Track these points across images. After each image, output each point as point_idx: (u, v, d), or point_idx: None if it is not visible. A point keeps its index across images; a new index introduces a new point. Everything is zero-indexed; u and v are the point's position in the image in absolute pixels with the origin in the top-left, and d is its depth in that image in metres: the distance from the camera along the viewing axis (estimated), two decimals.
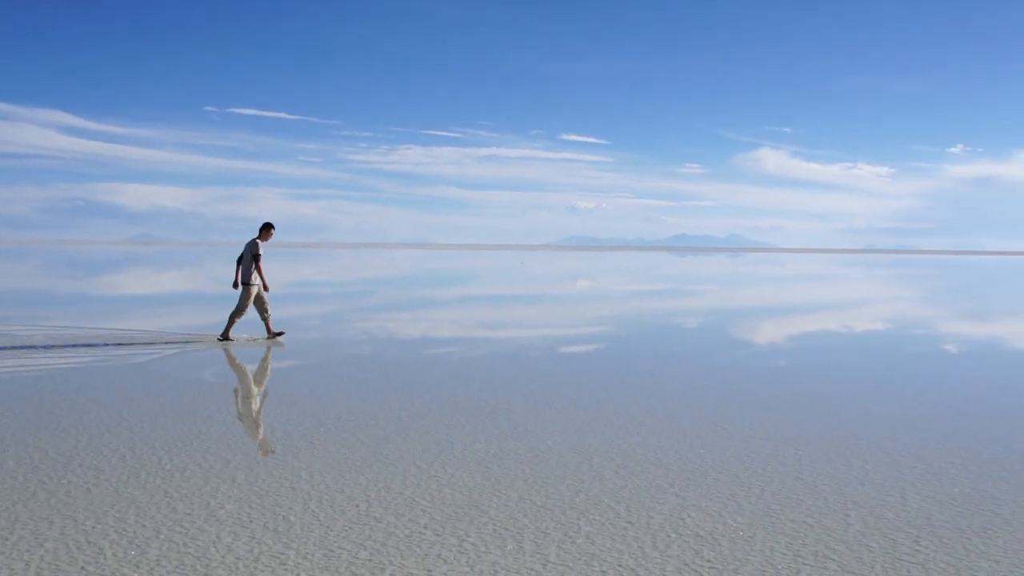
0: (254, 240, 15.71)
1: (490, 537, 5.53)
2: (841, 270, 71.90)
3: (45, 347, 14.22)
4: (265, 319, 15.91)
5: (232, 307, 15.70)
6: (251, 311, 15.70)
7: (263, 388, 11.15)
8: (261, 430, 8.66)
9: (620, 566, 5.06)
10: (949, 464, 7.38)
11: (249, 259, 15.61)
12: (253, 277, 15.60)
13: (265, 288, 15.77)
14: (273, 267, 60.38)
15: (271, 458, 7.40)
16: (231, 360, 13.51)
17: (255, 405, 10.03)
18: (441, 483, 6.70)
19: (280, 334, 16.03)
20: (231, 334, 15.62)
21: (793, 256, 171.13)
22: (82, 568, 4.94)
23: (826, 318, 22.72)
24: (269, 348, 14.71)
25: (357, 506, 6.12)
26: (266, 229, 15.85)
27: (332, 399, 10.01)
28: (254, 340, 15.80)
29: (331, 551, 5.26)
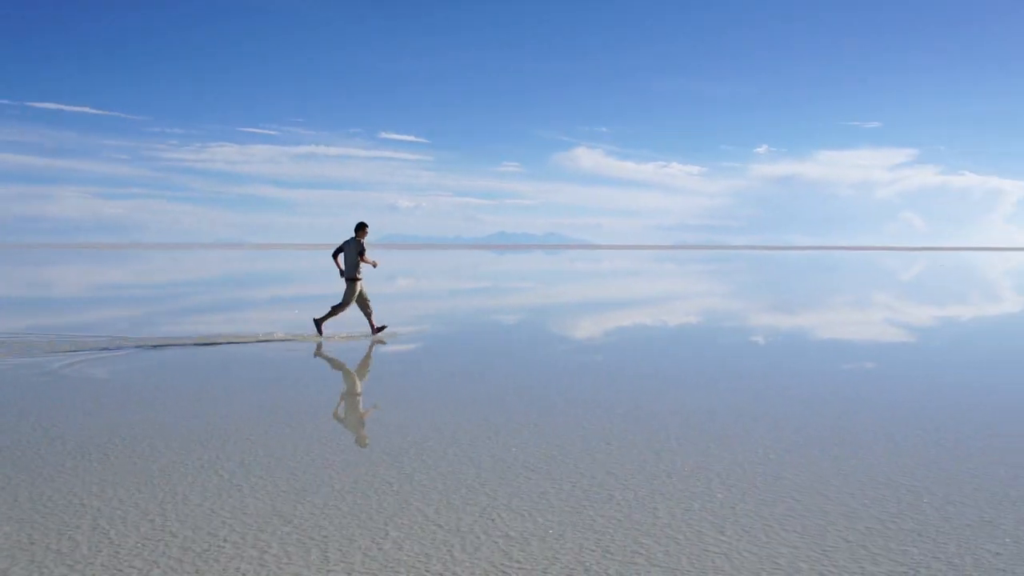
0: (355, 239, 16.83)
1: (293, 548, 5.28)
2: (656, 266, 73.96)
3: None
4: (368, 316, 16.95)
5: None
6: (353, 309, 16.92)
7: (52, 399, 10.45)
8: (48, 446, 8.07)
9: (427, 571, 4.91)
10: (753, 454, 7.56)
11: (354, 255, 16.71)
12: (358, 272, 16.73)
13: (374, 264, 17.03)
14: (73, 269, 57.57)
15: (59, 474, 6.89)
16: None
17: (41, 419, 9.38)
18: (244, 493, 6.39)
19: (383, 328, 16.99)
20: (323, 329, 16.76)
21: (610, 253, 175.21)
22: None
23: (638, 313, 23.24)
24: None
25: (152, 521, 5.75)
26: (362, 228, 16.90)
27: (130, 410, 9.48)
28: (351, 337, 16.77)
29: (120, 571, 4.90)
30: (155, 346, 14.92)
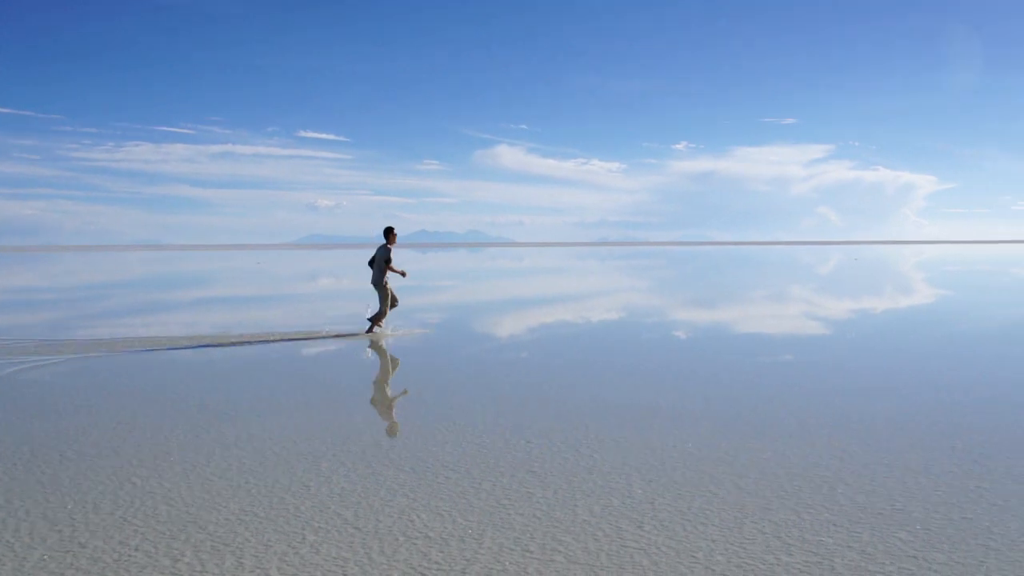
0: (385, 246, 17.19)
1: (208, 555, 5.17)
2: (579, 263, 74.22)
3: None
4: (382, 315, 17.26)
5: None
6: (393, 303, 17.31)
7: None
8: None
9: (344, 575, 4.85)
10: (672, 448, 7.62)
11: (381, 262, 17.06)
12: (385, 278, 17.10)
13: (403, 275, 17.50)
14: None
15: None
16: None
17: None
18: (157, 499, 6.25)
19: (371, 331, 17.25)
20: (384, 327, 17.35)
21: (532, 250, 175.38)
22: None
23: (558, 310, 23.29)
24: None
25: (60, 532, 5.59)
26: (389, 233, 17.37)
27: (38, 418, 9.22)
28: (396, 333, 17.29)
29: None
30: (63, 352, 14.55)
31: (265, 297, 30.45)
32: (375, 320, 17.28)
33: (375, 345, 15.47)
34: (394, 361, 13.51)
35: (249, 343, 15.68)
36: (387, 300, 17.18)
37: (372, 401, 9.96)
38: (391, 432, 8.36)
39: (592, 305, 25.21)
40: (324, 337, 16.67)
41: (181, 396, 10.28)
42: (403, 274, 17.43)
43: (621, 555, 5.12)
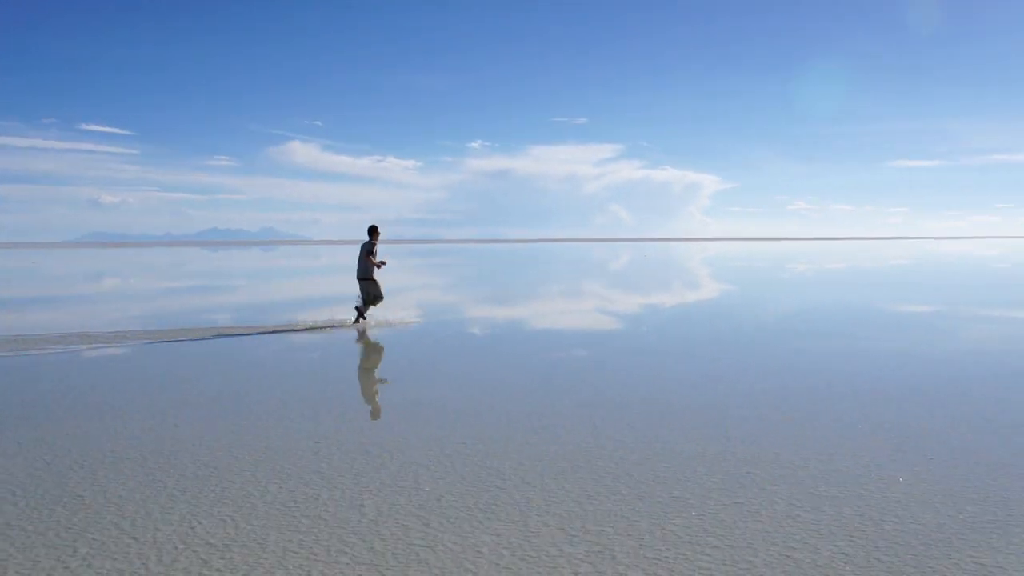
0: (369, 241, 18.55)
1: None
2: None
3: None
4: (364, 307, 18.52)
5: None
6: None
7: None
8: None
9: None
10: (460, 444, 7.68)
11: (364, 255, 18.36)
12: (371, 272, 18.37)
13: (381, 264, 18.44)
14: None
15: None
16: None
17: None
18: None
19: (357, 321, 18.47)
20: (377, 316, 18.90)
21: (327, 248, 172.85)
22: None
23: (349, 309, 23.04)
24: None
25: None
26: (373, 231, 18.68)
27: None
28: (389, 323, 18.53)
29: None
30: None
31: (39, 298, 28.82)
32: (360, 311, 18.50)
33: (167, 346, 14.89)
34: (177, 365, 13.04)
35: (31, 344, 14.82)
36: (370, 294, 18.37)
37: (151, 407, 9.57)
38: (173, 439, 8.06)
39: (390, 304, 25.07)
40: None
41: None
42: (381, 264, 18.44)
43: (407, 553, 5.12)
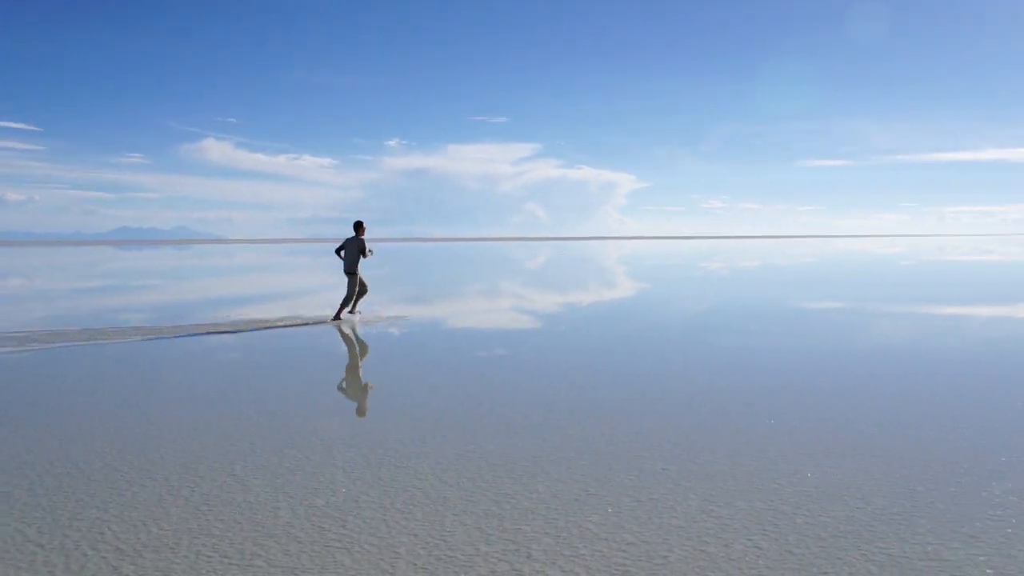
0: (359, 237, 19.07)
1: None
2: (288, 260, 72.90)
3: None
4: (345, 306, 19.16)
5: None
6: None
7: None
8: None
9: None
10: (378, 445, 7.64)
11: (355, 252, 18.98)
12: (358, 266, 19.05)
13: (368, 253, 19.11)
14: None
15: None
16: None
17: None
18: None
19: (337, 318, 19.01)
20: (357, 309, 19.49)
21: (242, 247, 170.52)
22: None
23: (261, 309, 22.77)
24: None
25: None
26: (360, 227, 19.13)
27: None
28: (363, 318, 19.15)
29: None
30: None
31: None
32: (342, 305, 19.16)
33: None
34: (88, 368, 12.73)
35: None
36: (355, 287, 19.03)
37: (61, 410, 9.34)
38: (78, 442, 7.87)
39: (302, 303, 24.84)
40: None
41: None
42: (368, 253, 19.09)
43: (323, 555, 5.07)
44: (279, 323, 18.29)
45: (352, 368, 12.24)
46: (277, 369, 12.11)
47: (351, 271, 19.06)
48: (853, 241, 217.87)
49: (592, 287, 32.17)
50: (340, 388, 10.56)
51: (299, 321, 18.65)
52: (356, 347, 14.62)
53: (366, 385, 10.79)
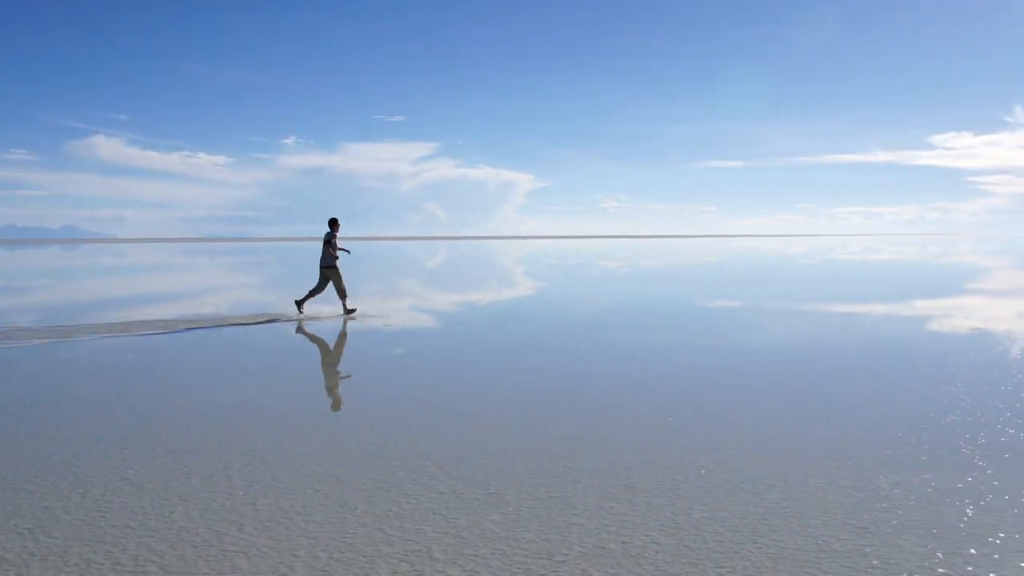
0: (330, 232, 19.74)
1: None
2: (184, 259, 71.49)
3: None
4: (311, 296, 19.85)
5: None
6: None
7: None
8: None
9: None
10: (275, 447, 7.54)
11: (325, 247, 19.62)
12: (333, 261, 19.68)
13: (339, 255, 19.98)
14: None
15: None
16: None
17: None
18: None
19: (298, 304, 19.80)
20: (349, 306, 20.23)
21: (134, 247, 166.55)
22: None
23: (160, 309, 22.30)
24: None
25: None
26: (333, 223, 19.86)
27: None
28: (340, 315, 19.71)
29: None
30: None
31: None
32: (342, 298, 19.89)
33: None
34: None
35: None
36: (327, 281, 19.69)
37: None
38: None
39: (201, 303, 24.37)
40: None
41: None
42: (338, 255, 19.80)
43: (220, 560, 4.98)
44: (178, 325, 17.89)
45: (246, 369, 12.03)
46: (173, 371, 11.86)
47: (326, 265, 19.65)
48: (750, 241, 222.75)
49: (491, 287, 32.22)
50: (233, 389, 10.37)
51: (198, 323, 18.27)
52: (250, 348, 14.39)
53: (259, 385, 10.62)
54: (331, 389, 10.30)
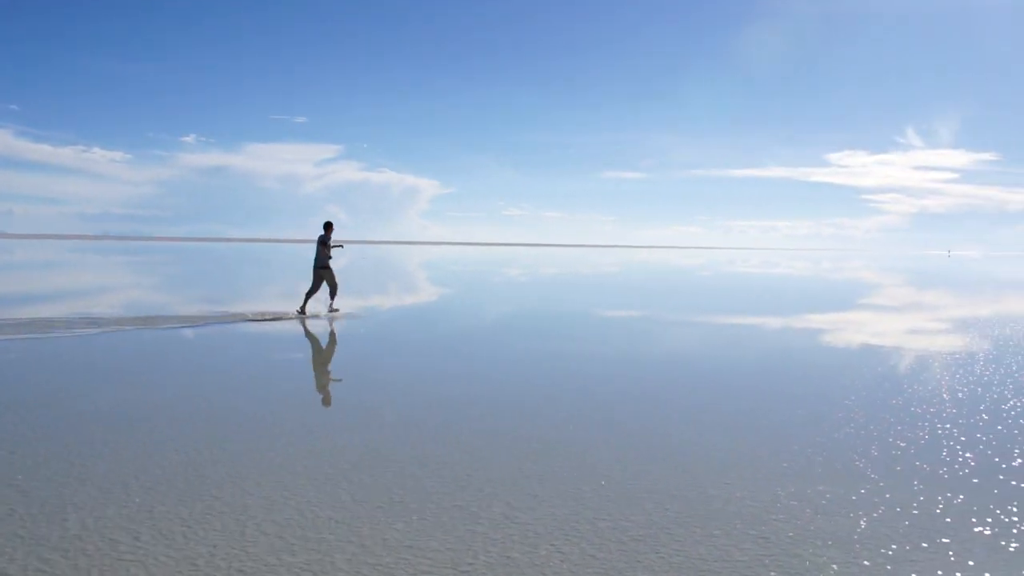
0: (324, 234, 20.70)
1: None
2: (75, 257, 69.53)
3: None
4: (308, 297, 20.61)
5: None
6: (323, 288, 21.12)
7: None
8: None
9: None
10: (174, 452, 7.36)
11: (319, 248, 20.59)
12: (327, 261, 20.69)
13: (336, 249, 21.19)
14: None
15: None
16: None
17: None
18: None
19: (300, 311, 20.49)
20: (334, 306, 21.11)
21: (23, 243, 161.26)
22: None
23: (55, 308, 21.64)
24: None
25: None
26: (327, 227, 20.86)
27: None
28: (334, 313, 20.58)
29: None
30: None
31: None
32: (332, 296, 20.99)
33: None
34: None
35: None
36: (321, 281, 20.57)
37: None
38: None
39: (104, 302, 23.72)
40: None
41: None
42: (329, 255, 20.69)
43: (116, 568, 4.83)
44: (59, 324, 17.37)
45: (146, 372, 11.74)
46: (72, 373, 11.51)
47: (320, 266, 20.60)
48: (649, 252, 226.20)
49: (393, 292, 32.06)
50: (131, 392, 10.10)
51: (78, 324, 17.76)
52: (135, 351, 14.06)
53: (160, 388, 10.37)
54: (229, 393, 10.10)
